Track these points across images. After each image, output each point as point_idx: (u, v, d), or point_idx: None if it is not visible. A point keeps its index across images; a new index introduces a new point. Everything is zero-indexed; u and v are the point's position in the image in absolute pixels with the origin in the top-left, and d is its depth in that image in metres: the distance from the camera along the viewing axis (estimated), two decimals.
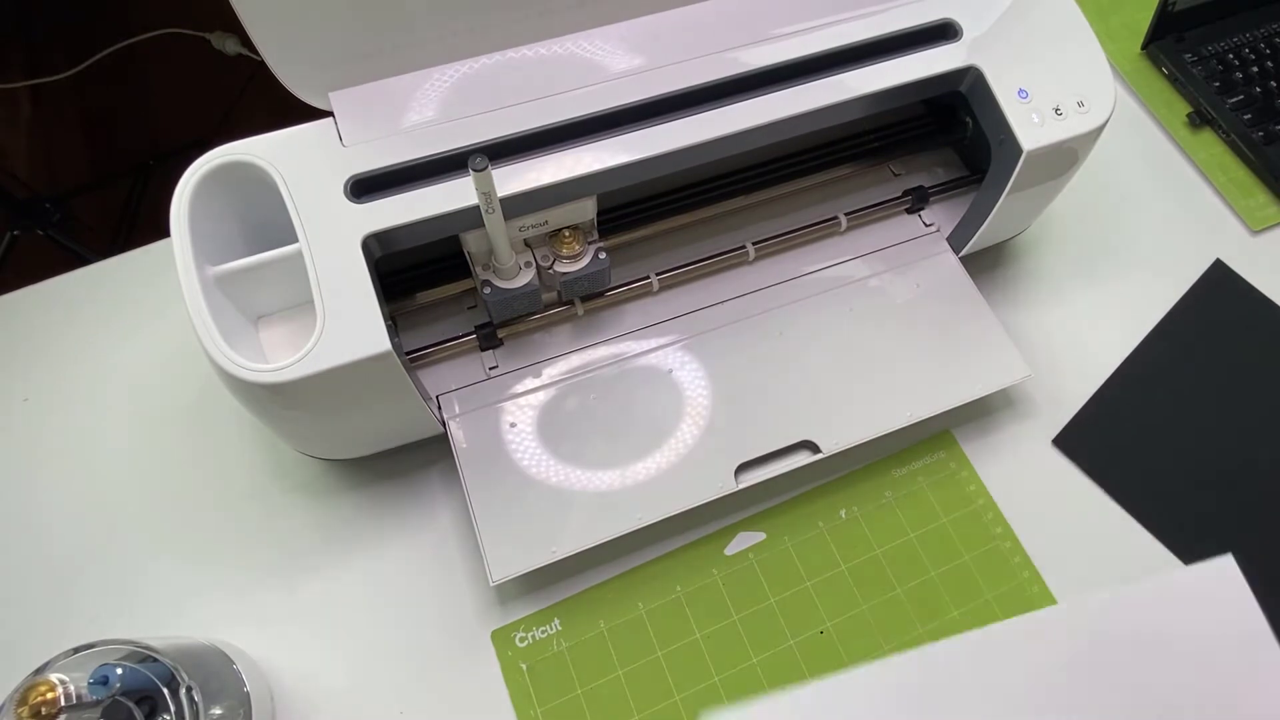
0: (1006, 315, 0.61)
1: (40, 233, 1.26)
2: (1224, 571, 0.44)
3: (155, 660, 0.40)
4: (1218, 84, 0.71)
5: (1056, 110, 0.50)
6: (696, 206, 0.57)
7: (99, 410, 0.58)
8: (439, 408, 0.52)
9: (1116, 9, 0.78)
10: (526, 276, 0.50)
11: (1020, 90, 0.50)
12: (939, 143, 0.62)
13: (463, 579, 0.53)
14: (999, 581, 0.53)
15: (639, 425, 0.52)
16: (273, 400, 0.43)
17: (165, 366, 0.59)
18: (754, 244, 0.57)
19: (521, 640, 0.51)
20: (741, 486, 0.51)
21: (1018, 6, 0.52)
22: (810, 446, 0.52)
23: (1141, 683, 0.41)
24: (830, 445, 0.52)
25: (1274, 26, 0.74)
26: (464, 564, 0.53)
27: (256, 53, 0.43)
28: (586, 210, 0.49)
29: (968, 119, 0.58)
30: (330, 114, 0.46)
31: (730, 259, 0.57)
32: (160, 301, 0.61)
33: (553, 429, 0.52)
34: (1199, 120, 0.71)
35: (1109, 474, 0.56)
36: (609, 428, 0.52)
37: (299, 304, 0.48)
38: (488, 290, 0.50)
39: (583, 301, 0.55)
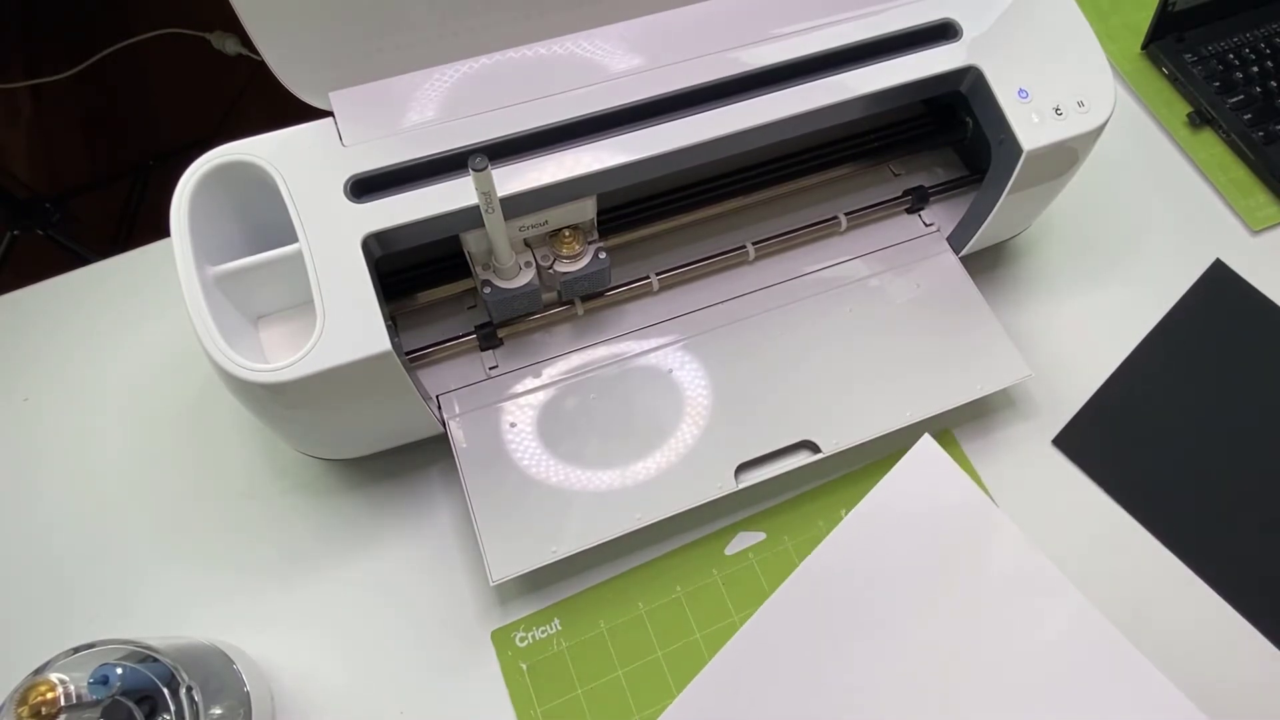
0: (1006, 315, 0.61)
1: (40, 233, 1.26)
2: (927, 449, 0.52)
3: (155, 660, 0.40)
4: (1218, 84, 0.71)
5: (1056, 110, 0.50)
6: (696, 206, 0.57)
7: (99, 410, 0.58)
8: (439, 408, 0.52)
9: (1116, 9, 0.78)
10: (526, 276, 0.50)
11: (1020, 90, 0.50)
12: (939, 143, 0.62)
13: (463, 579, 0.53)
14: None
15: (639, 425, 0.52)
16: (273, 400, 0.43)
17: (165, 366, 0.59)
18: (754, 244, 0.57)
19: (521, 640, 0.51)
20: (741, 486, 0.51)
21: (1018, 6, 0.52)
22: (810, 446, 0.52)
23: (904, 557, 0.50)
24: (830, 445, 0.52)
25: (1274, 26, 0.74)
26: (464, 564, 0.53)
27: (256, 53, 0.43)
28: (586, 210, 0.49)
29: (968, 119, 0.58)
30: (330, 114, 0.46)
31: (730, 259, 0.57)
32: (160, 301, 0.61)
33: (553, 429, 0.52)
34: (1199, 120, 0.71)
35: (1109, 474, 0.56)
36: (609, 428, 0.52)
37: (299, 304, 0.48)
38: (488, 290, 0.50)
39: (583, 301, 0.55)
